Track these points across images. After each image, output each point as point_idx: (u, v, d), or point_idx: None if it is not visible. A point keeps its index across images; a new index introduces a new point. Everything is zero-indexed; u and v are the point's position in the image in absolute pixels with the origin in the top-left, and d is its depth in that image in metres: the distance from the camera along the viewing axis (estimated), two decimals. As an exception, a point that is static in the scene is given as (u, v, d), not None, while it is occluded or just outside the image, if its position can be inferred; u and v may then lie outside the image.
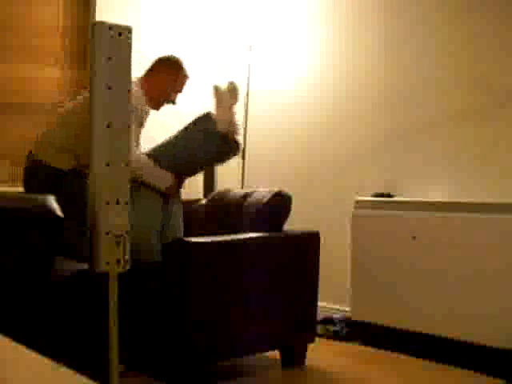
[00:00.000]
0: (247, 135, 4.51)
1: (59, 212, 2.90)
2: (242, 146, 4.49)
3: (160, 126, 4.55)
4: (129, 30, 1.87)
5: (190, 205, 3.43)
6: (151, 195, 3.07)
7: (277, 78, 4.42)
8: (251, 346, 2.84)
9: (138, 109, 3.15)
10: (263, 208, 2.99)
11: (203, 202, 3.48)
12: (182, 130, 3.29)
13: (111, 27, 1.84)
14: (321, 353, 3.20)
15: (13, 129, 3.95)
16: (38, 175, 3.06)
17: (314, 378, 2.87)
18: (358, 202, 3.52)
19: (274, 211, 2.93)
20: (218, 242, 2.74)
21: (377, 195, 3.58)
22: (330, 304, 3.86)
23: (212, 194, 3.55)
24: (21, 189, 3.17)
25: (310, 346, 3.08)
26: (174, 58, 3.35)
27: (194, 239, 2.63)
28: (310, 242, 3.06)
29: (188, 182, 4.68)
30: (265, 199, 3.11)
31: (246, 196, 3.19)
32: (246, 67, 4.51)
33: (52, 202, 2.91)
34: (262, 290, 2.72)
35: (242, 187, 4.42)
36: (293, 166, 4.28)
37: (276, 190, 3.16)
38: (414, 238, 3.21)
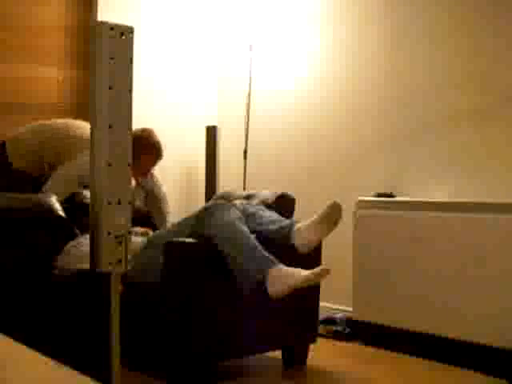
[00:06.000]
0: (249, 135, 4.51)
1: (60, 212, 2.90)
2: (244, 146, 4.49)
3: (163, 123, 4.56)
4: (130, 30, 1.87)
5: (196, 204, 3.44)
6: None
7: (278, 78, 4.42)
8: (252, 346, 2.84)
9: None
10: (268, 209, 2.99)
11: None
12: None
13: (113, 27, 1.84)
14: (322, 353, 3.21)
15: (13, 129, 3.95)
16: None
17: (314, 378, 2.86)
18: (359, 202, 3.52)
19: (278, 212, 2.93)
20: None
21: (379, 195, 3.58)
22: (332, 304, 3.86)
23: (218, 194, 3.57)
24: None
25: (311, 346, 3.08)
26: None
27: (194, 239, 2.63)
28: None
29: (189, 182, 4.69)
30: (269, 200, 3.12)
31: (249, 197, 3.20)
32: (247, 67, 4.50)
33: (53, 201, 2.91)
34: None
35: (244, 188, 4.42)
36: (294, 166, 4.28)
37: (280, 191, 3.17)
38: (416, 238, 3.21)
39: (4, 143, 3.35)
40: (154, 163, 3.35)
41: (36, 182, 3.20)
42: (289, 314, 2.93)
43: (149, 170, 3.39)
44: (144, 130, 3.29)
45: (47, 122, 3.43)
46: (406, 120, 3.66)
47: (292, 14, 4.33)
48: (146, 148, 3.27)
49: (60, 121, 3.44)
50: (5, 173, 3.26)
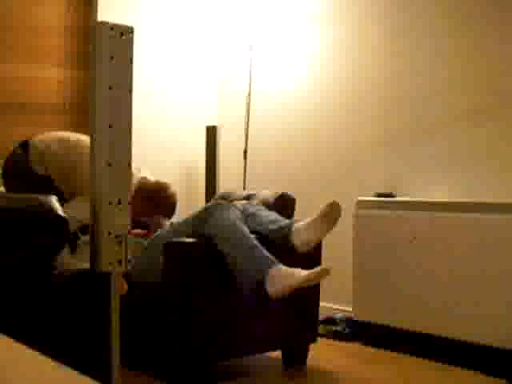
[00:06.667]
0: (249, 135, 4.51)
1: (60, 212, 2.91)
2: (244, 146, 4.49)
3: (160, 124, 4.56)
4: (131, 30, 1.87)
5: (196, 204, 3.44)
6: None
7: (278, 78, 4.42)
8: (252, 346, 2.84)
9: None
10: (268, 209, 2.99)
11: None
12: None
13: (113, 27, 1.84)
14: (322, 353, 3.21)
15: (13, 129, 3.94)
16: None
17: (314, 378, 2.86)
18: (359, 202, 3.52)
19: (278, 212, 2.93)
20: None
21: (379, 195, 3.58)
22: (332, 304, 3.86)
23: (218, 194, 3.57)
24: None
25: (311, 346, 3.08)
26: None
27: (194, 239, 2.63)
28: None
29: (189, 182, 4.69)
30: (270, 200, 3.12)
31: (249, 197, 3.20)
32: (247, 67, 4.50)
33: (53, 201, 2.91)
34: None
35: (244, 188, 4.42)
36: (294, 166, 4.28)
37: (280, 191, 3.17)
38: (416, 238, 3.21)
39: (26, 143, 3.24)
40: (165, 219, 3.32)
41: (57, 188, 3.16)
42: (289, 314, 2.93)
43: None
44: (165, 187, 3.23)
45: (71, 133, 3.38)
46: (406, 120, 3.66)
47: (292, 14, 4.33)
48: (164, 207, 3.20)
49: (84, 137, 3.38)
50: (27, 177, 3.20)
